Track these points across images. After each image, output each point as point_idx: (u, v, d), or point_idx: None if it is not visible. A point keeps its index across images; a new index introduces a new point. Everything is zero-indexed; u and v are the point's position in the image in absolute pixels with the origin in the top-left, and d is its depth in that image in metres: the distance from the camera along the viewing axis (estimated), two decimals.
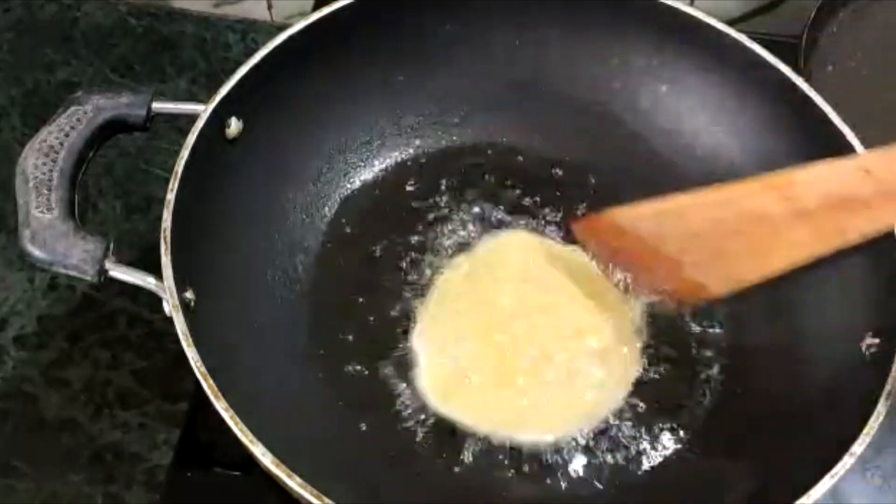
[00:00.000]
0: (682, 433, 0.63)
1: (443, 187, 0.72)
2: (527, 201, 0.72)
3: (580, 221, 0.67)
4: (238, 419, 0.52)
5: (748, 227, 0.59)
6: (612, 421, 0.63)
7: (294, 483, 0.51)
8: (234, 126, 0.64)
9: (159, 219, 0.58)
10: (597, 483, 0.61)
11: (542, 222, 0.71)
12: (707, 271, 0.61)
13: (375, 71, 0.72)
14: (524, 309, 0.67)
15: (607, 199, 0.71)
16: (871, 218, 0.57)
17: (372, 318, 0.66)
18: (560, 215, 0.71)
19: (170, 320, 0.55)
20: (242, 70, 0.64)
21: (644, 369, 0.65)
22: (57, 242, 0.57)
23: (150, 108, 0.63)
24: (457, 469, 0.61)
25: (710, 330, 0.67)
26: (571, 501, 0.61)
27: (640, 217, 0.61)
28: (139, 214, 0.79)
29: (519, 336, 0.66)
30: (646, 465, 0.62)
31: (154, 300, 0.56)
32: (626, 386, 0.64)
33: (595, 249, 0.66)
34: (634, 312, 0.67)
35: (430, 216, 0.71)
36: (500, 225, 0.71)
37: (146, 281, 0.57)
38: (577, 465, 0.62)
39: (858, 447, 0.53)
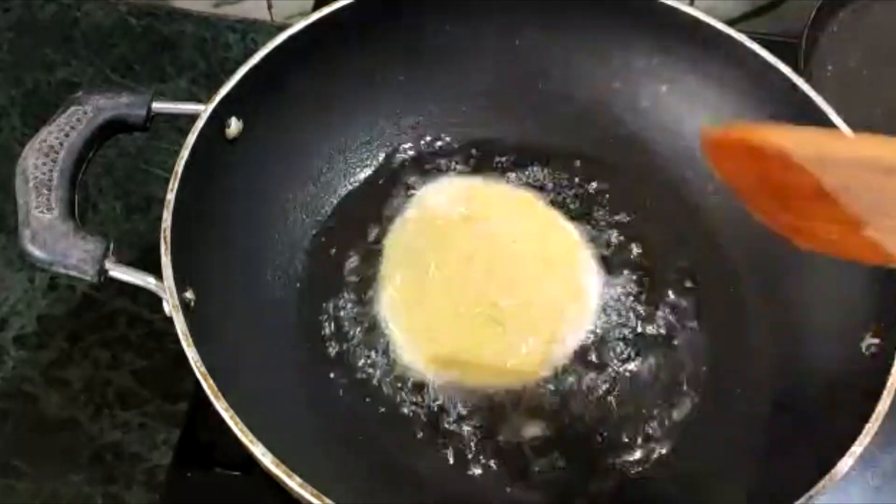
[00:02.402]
0: (680, 433, 0.63)
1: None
2: None
3: (720, 138, 0.45)
4: (238, 419, 0.52)
5: None
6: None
7: (294, 483, 0.51)
8: (234, 126, 0.64)
9: (159, 219, 0.58)
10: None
11: None
12: None
13: (375, 71, 0.72)
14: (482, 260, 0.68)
15: (606, 199, 0.71)
16: None
17: (372, 317, 0.66)
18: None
19: (170, 320, 0.55)
20: (242, 70, 0.64)
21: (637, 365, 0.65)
22: (57, 242, 0.57)
23: (150, 108, 0.63)
24: (462, 472, 0.61)
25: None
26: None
27: (823, 159, 0.42)
28: (139, 214, 0.78)
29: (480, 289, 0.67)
30: (638, 469, 0.62)
31: (154, 300, 0.56)
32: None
33: (731, 177, 0.46)
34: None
35: None
36: None
37: (146, 281, 0.57)
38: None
39: (858, 447, 0.53)
